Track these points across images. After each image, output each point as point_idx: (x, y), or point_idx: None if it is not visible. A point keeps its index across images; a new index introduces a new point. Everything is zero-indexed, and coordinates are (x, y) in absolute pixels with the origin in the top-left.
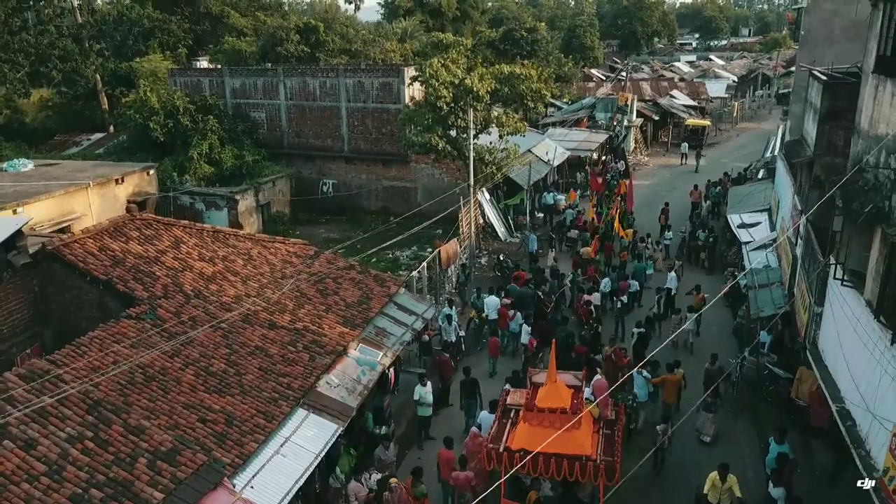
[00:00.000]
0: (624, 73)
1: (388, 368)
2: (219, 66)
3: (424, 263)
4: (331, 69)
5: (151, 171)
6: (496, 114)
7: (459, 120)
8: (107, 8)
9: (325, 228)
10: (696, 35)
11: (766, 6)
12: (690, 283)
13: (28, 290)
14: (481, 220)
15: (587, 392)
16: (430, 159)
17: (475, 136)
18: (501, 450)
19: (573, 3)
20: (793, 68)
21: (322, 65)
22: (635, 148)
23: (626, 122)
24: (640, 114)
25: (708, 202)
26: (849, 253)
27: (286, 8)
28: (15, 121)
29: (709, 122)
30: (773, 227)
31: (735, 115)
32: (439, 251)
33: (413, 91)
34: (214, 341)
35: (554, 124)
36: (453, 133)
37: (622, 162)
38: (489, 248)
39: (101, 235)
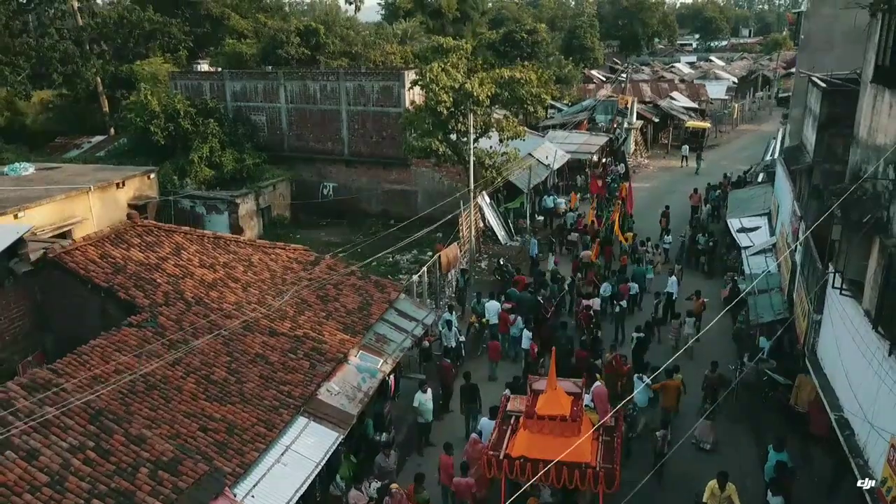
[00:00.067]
0: (624, 75)
1: (389, 375)
2: (219, 70)
3: (424, 268)
4: (331, 72)
5: (152, 175)
6: (497, 117)
7: (460, 124)
8: (107, 10)
9: (326, 232)
10: (697, 36)
11: (766, 6)
12: (690, 287)
13: (30, 298)
14: (481, 224)
15: (587, 399)
16: (430, 163)
17: (475, 141)
18: (501, 457)
19: (573, 3)
20: (793, 69)
21: (322, 67)
22: (635, 150)
23: (626, 125)
24: (640, 116)
25: (708, 206)
26: (848, 262)
27: (287, 10)
28: (16, 123)
29: (709, 125)
30: (772, 232)
31: (735, 116)
32: (440, 256)
33: (413, 95)
34: (215, 349)
35: (554, 127)
36: (453, 137)
37: (622, 164)
38: (489, 252)
39: (103, 242)
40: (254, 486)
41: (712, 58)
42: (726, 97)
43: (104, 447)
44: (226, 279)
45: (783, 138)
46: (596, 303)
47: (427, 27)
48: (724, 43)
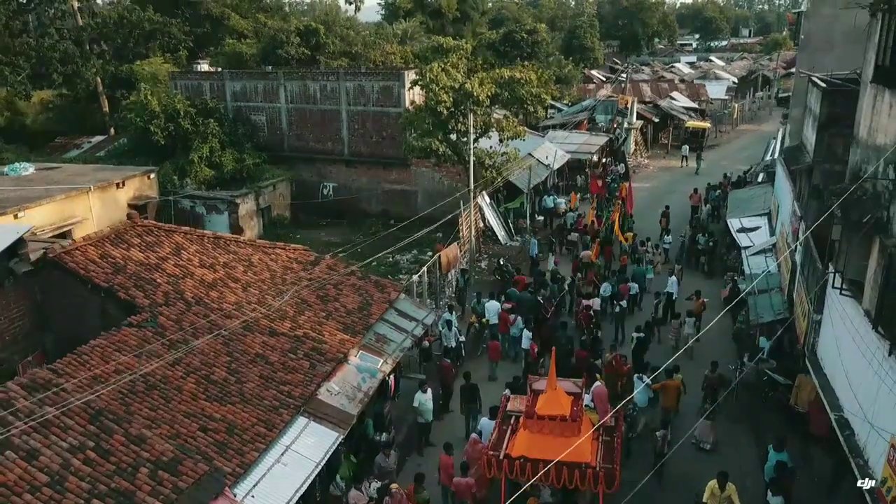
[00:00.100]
0: (624, 75)
1: (389, 375)
2: (219, 70)
3: (424, 268)
4: (331, 72)
5: (152, 175)
6: (498, 117)
7: (460, 124)
8: (107, 10)
9: (326, 232)
10: (697, 36)
11: (766, 6)
12: (690, 287)
13: (30, 298)
14: (481, 224)
15: (587, 399)
16: (430, 163)
17: (475, 141)
18: (501, 457)
19: (573, 3)
20: (793, 69)
21: (322, 67)
22: (635, 150)
23: (626, 125)
24: (640, 116)
25: (708, 206)
26: (848, 262)
27: (287, 9)
28: (16, 123)
29: (709, 125)
30: (772, 232)
31: (735, 116)
32: (440, 256)
33: (413, 95)
34: (215, 349)
35: (554, 127)
36: (453, 137)
37: (622, 164)
38: (489, 252)
39: (103, 242)
40: (254, 486)
41: (712, 58)
42: (726, 97)
43: (104, 447)
44: (226, 279)
45: (783, 138)
46: (596, 303)
47: (427, 27)
48: (724, 43)
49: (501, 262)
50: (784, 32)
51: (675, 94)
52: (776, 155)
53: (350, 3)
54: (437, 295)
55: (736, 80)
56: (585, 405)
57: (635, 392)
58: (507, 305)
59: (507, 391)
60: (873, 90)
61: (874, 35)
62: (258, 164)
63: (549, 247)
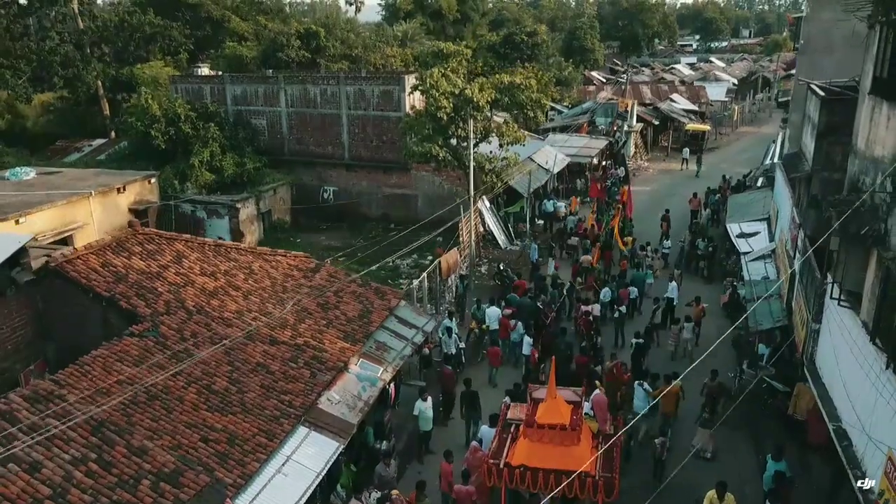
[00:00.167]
0: (624, 77)
1: (389, 383)
2: (220, 73)
3: (425, 274)
4: (332, 77)
5: (153, 180)
6: (500, 121)
7: (460, 129)
8: (108, 14)
9: (326, 236)
10: (697, 37)
11: (766, 7)
12: (689, 292)
13: (31, 307)
14: (481, 228)
15: (586, 407)
16: (430, 167)
17: (475, 146)
18: (502, 465)
19: (574, 4)
20: (793, 71)
21: (323, 70)
22: (635, 153)
23: (626, 128)
24: (640, 118)
25: (707, 210)
26: (846, 272)
27: (287, 10)
28: (16, 126)
29: (708, 127)
30: (772, 238)
31: (735, 118)
32: (440, 261)
33: (414, 99)
34: (216, 358)
35: (554, 130)
36: (454, 142)
37: (622, 168)
38: (489, 257)
39: (104, 251)
40: (255, 497)
41: (712, 59)
42: (726, 99)
43: (106, 459)
44: (227, 287)
45: (783, 142)
46: (596, 308)
47: (427, 28)
48: (725, 44)
49: (501, 267)
50: (784, 33)
51: (675, 96)
52: (776, 159)
53: (350, 4)
54: (437, 300)
55: (736, 82)
56: (585, 413)
57: (636, 399)
58: (508, 311)
59: (507, 399)
60: (871, 101)
61: (872, 47)
62: (259, 168)
63: (549, 251)
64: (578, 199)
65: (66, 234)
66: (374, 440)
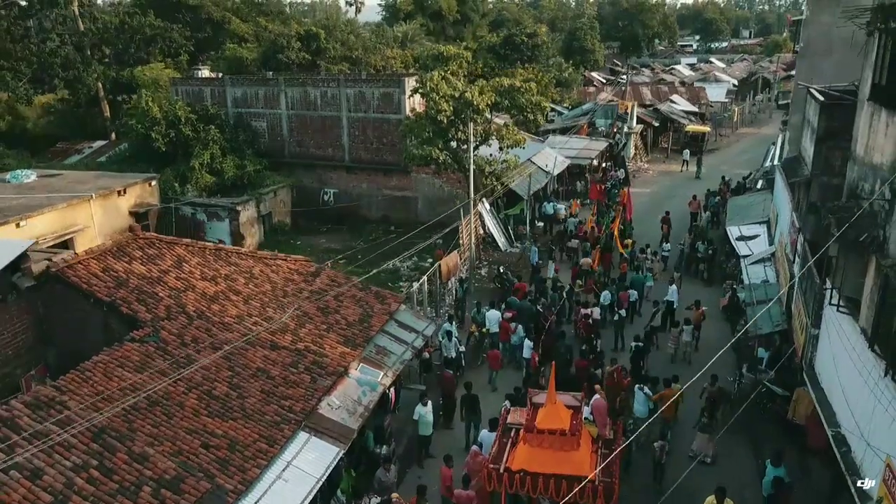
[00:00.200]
0: (624, 77)
1: (389, 388)
2: (220, 76)
3: (425, 277)
4: (332, 79)
5: (153, 182)
6: (500, 123)
7: (460, 132)
8: (109, 16)
9: (326, 238)
10: (697, 37)
11: (766, 7)
12: (689, 295)
13: (32, 312)
14: (481, 231)
15: (586, 412)
16: (430, 170)
17: (475, 149)
18: (502, 470)
19: (574, 4)
20: (793, 72)
21: (323, 72)
22: (635, 154)
23: (626, 129)
24: (640, 120)
25: (707, 213)
26: (845, 279)
27: (287, 11)
28: (17, 127)
29: (708, 129)
30: (771, 241)
31: (735, 120)
32: (440, 264)
33: (414, 102)
34: (217, 363)
35: (554, 131)
36: (454, 145)
37: (622, 170)
38: (489, 259)
39: (105, 256)
40: (255, 503)
41: (712, 59)
42: (726, 100)
43: (107, 465)
44: (227, 292)
45: (783, 144)
46: (596, 312)
47: (427, 29)
48: (725, 44)
49: (501, 270)
50: (784, 34)
51: (675, 97)
52: (776, 161)
53: (350, 5)
54: (437, 303)
55: (736, 83)
56: (584, 418)
57: (636, 403)
58: (508, 314)
59: (507, 403)
60: (870, 108)
61: (871, 54)
62: (259, 170)
63: (549, 254)
64: (578, 202)
65: (66, 238)
66: (375, 445)
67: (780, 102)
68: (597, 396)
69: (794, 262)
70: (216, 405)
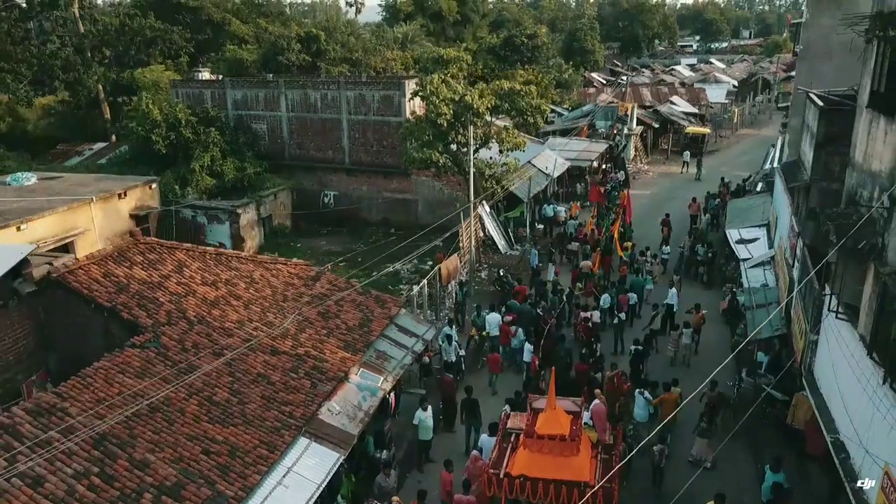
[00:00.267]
0: (624, 78)
1: (389, 393)
2: (220, 78)
3: (425, 281)
4: (332, 81)
5: (154, 185)
6: (500, 125)
7: (460, 136)
8: (109, 18)
9: (326, 241)
10: (697, 37)
11: (766, 7)
12: (689, 298)
13: (33, 317)
14: (481, 234)
15: (586, 417)
16: (431, 172)
17: (475, 152)
18: (502, 475)
19: (574, 4)
20: (793, 73)
21: (323, 73)
22: (635, 156)
23: (626, 131)
24: (640, 121)
25: (707, 215)
26: (844, 285)
27: (287, 12)
28: (17, 129)
29: (708, 130)
30: (771, 244)
31: (735, 121)
32: (440, 267)
33: (414, 105)
34: (217, 369)
35: (554, 133)
36: (454, 148)
37: (622, 172)
38: (489, 262)
39: (106, 261)
40: None
41: (712, 60)
42: (726, 101)
43: (108, 472)
44: (228, 297)
45: (783, 146)
46: (595, 315)
47: (427, 30)
48: (725, 45)
49: (501, 273)
50: (784, 34)
51: (675, 98)
52: (775, 163)
53: (350, 5)
54: (437, 307)
55: (736, 84)
56: (584, 423)
57: (636, 407)
58: (508, 318)
59: (507, 407)
60: (869, 115)
61: (870, 61)
62: (259, 172)
63: (549, 256)
64: (578, 204)
65: (67, 241)
66: (375, 450)
67: (779, 104)
68: (597, 401)
69: (793, 266)
70: (217, 411)
